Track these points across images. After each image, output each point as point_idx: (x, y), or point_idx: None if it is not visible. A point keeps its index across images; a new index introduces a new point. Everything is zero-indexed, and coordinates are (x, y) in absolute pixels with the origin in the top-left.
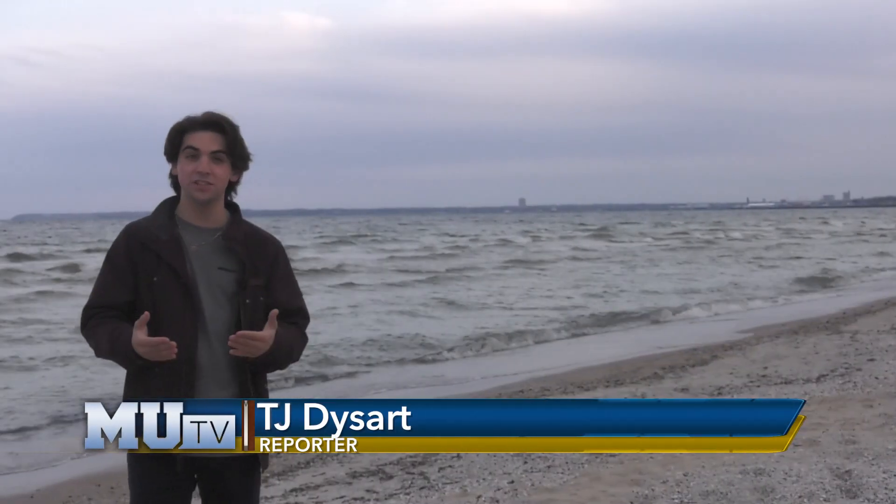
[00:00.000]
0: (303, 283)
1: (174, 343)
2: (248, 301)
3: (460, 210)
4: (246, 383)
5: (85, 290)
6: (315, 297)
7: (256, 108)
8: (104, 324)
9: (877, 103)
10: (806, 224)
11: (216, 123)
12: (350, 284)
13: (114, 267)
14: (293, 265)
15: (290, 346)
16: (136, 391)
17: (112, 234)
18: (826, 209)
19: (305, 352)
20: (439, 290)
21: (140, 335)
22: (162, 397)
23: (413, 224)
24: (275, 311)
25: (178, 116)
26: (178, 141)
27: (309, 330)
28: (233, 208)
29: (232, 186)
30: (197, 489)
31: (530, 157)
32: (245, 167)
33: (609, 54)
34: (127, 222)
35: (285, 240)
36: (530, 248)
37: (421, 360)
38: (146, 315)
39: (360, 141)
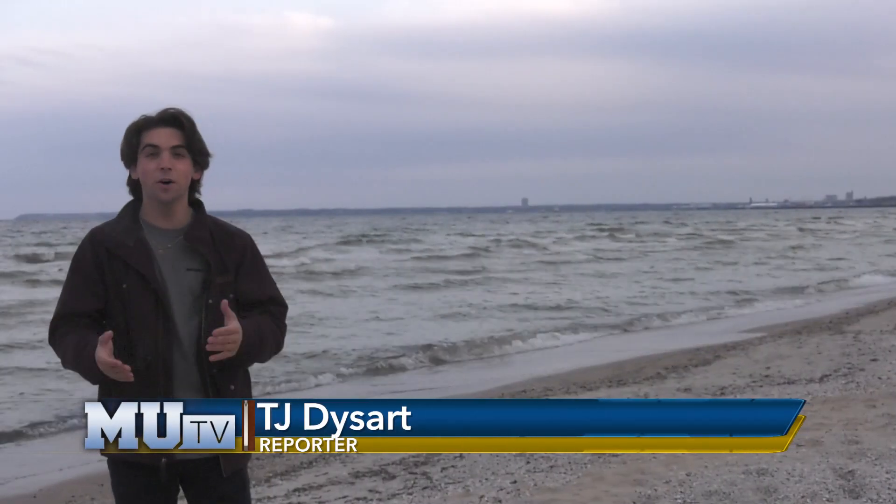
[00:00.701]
0: (323, 286)
1: (128, 367)
2: (210, 301)
3: (463, 210)
4: (206, 386)
5: None
6: (335, 301)
7: (257, 108)
8: (72, 332)
9: (877, 103)
10: (820, 224)
11: (174, 118)
12: (369, 286)
13: (81, 274)
14: (314, 267)
15: (259, 336)
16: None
17: None
18: (830, 209)
19: (322, 354)
20: (467, 291)
21: (103, 353)
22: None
23: (419, 224)
24: (225, 302)
25: None
26: (135, 141)
27: (325, 333)
28: (196, 206)
29: (195, 186)
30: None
31: (531, 157)
32: (205, 165)
33: (609, 54)
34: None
35: (293, 241)
36: (552, 249)
37: (434, 361)
38: (109, 334)
39: (361, 141)
